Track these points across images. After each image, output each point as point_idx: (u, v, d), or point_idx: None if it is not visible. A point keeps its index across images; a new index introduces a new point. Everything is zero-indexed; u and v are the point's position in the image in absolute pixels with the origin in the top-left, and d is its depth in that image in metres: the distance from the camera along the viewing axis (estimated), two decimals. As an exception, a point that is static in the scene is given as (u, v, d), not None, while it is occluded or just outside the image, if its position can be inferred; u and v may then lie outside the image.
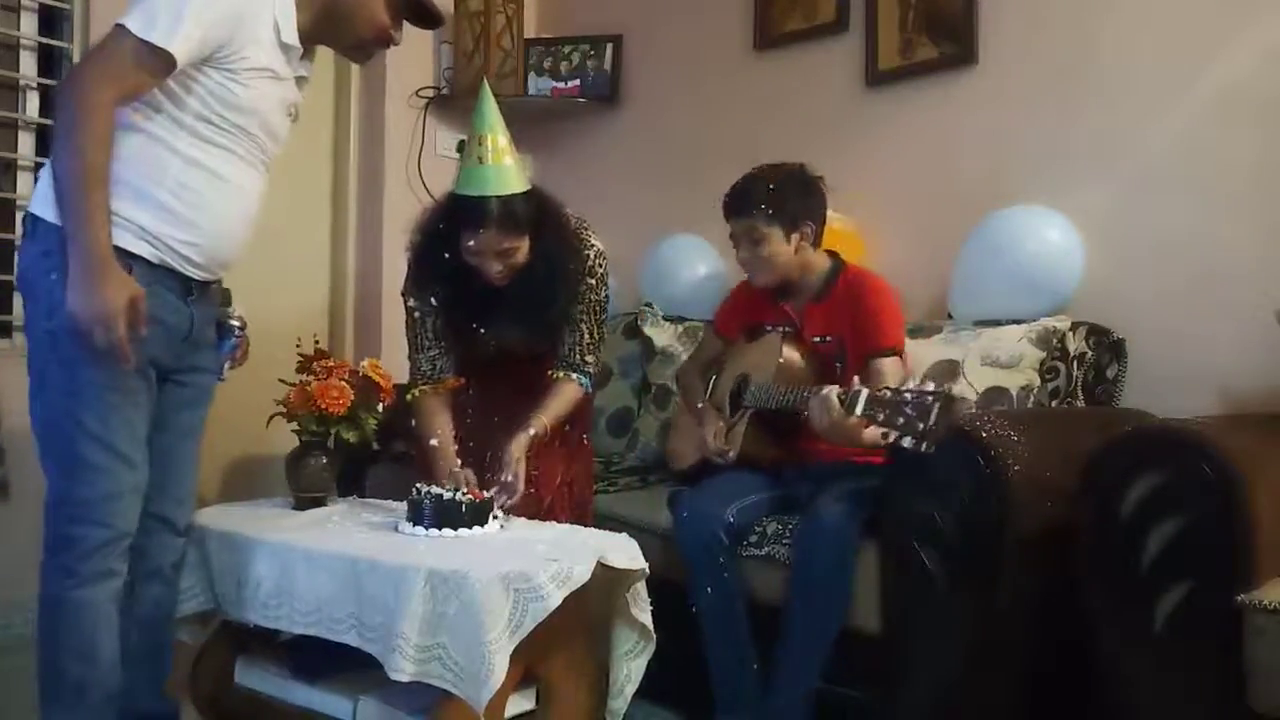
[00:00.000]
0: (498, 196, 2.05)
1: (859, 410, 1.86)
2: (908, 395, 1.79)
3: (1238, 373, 2.28)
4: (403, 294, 2.31)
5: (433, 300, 2.24)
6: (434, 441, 2.19)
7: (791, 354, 2.26)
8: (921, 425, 1.75)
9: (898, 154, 2.87)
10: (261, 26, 1.78)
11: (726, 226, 2.36)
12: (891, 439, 1.79)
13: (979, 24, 2.76)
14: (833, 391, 1.94)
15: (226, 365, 2.03)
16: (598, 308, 2.29)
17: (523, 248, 2.12)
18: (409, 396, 2.29)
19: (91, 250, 1.63)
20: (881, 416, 1.81)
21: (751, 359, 2.39)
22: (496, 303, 2.18)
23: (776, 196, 2.28)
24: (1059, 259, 2.49)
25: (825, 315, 2.33)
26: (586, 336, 2.28)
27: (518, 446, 2.13)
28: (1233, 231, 2.34)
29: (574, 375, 2.27)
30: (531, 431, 2.16)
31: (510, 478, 2.10)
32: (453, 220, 2.12)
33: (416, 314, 2.29)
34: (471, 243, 2.09)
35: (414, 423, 2.27)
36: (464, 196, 2.08)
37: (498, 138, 2.07)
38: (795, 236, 2.29)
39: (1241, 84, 2.34)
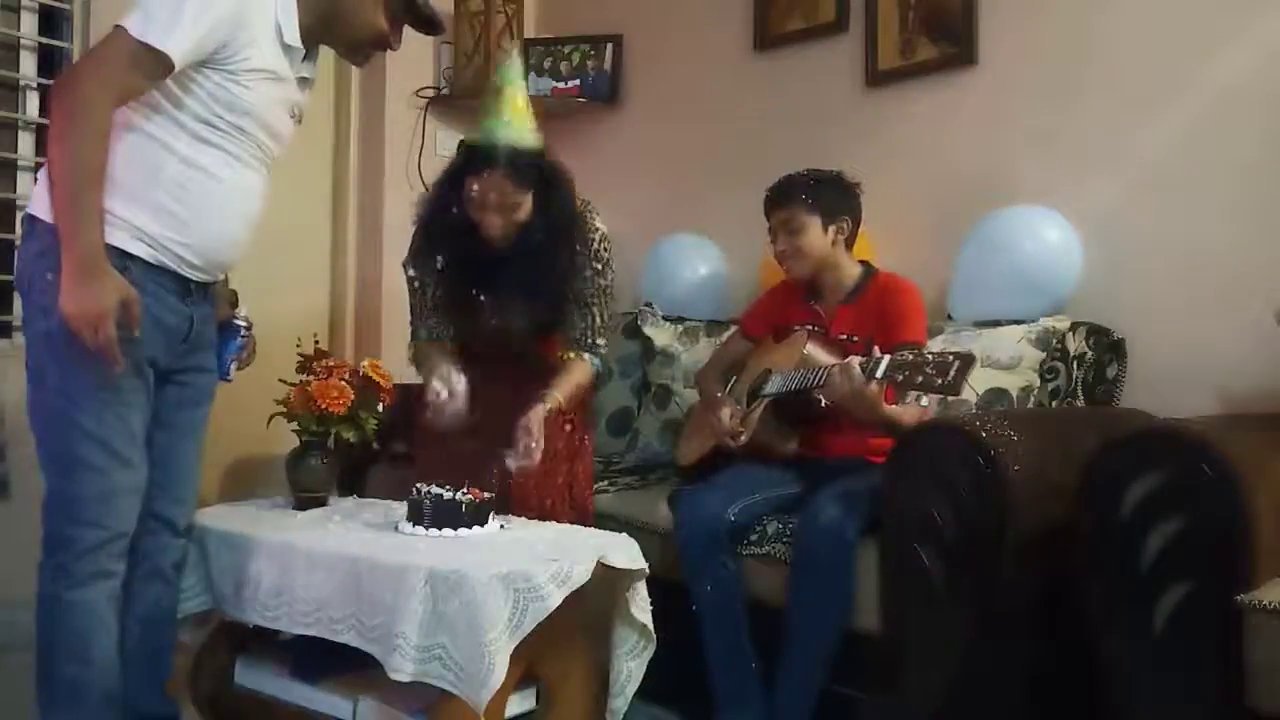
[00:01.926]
0: (508, 145, 2.10)
1: (880, 374, 1.90)
2: (929, 355, 1.86)
3: (1238, 373, 2.28)
4: (404, 264, 2.34)
5: (437, 265, 2.27)
6: (440, 376, 2.17)
7: (816, 349, 2.28)
8: (940, 381, 1.80)
9: (898, 154, 2.86)
10: (262, 27, 1.78)
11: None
12: (908, 399, 1.81)
13: (979, 24, 2.76)
14: (854, 360, 1.99)
15: (234, 366, 2.03)
16: (607, 290, 2.33)
17: (525, 205, 2.15)
18: (410, 348, 2.34)
19: (83, 250, 1.62)
20: (901, 377, 1.86)
21: (776, 356, 2.41)
22: (498, 268, 2.21)
23: (816, 189, 2.37)
24: (1058, 259, 2.49)
25: (854, 316, 2.36)
26: (597, 319, 2.33)
27: (535, 417, 2.15)
28: (1233, 231, 2.34)
29: (586, 356, 2.31)
30: (547, 405, 2.19)
31: (530, 445, 2.11)
32: (461, 167, 2.16)
33: (416, 283, 2.32)
34: (476, 187, 2.12)
35: (417, 369, 2.32)
36: (474, 143, 2.14)
37: (518, 96, 2.13)
38: (832, 229, 2.36)
39: (1241, 84, 2.34)
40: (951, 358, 1.82)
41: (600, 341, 2.34)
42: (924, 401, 1.83)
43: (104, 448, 1.72)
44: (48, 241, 1.68)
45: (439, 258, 2.27)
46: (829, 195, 2.36)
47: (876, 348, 1.99)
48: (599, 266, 2.29)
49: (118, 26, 1.66)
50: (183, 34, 1.66)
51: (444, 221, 2.21)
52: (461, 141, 2.19)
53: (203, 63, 1.72)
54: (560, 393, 2.23)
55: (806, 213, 2.34)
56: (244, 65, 1.76)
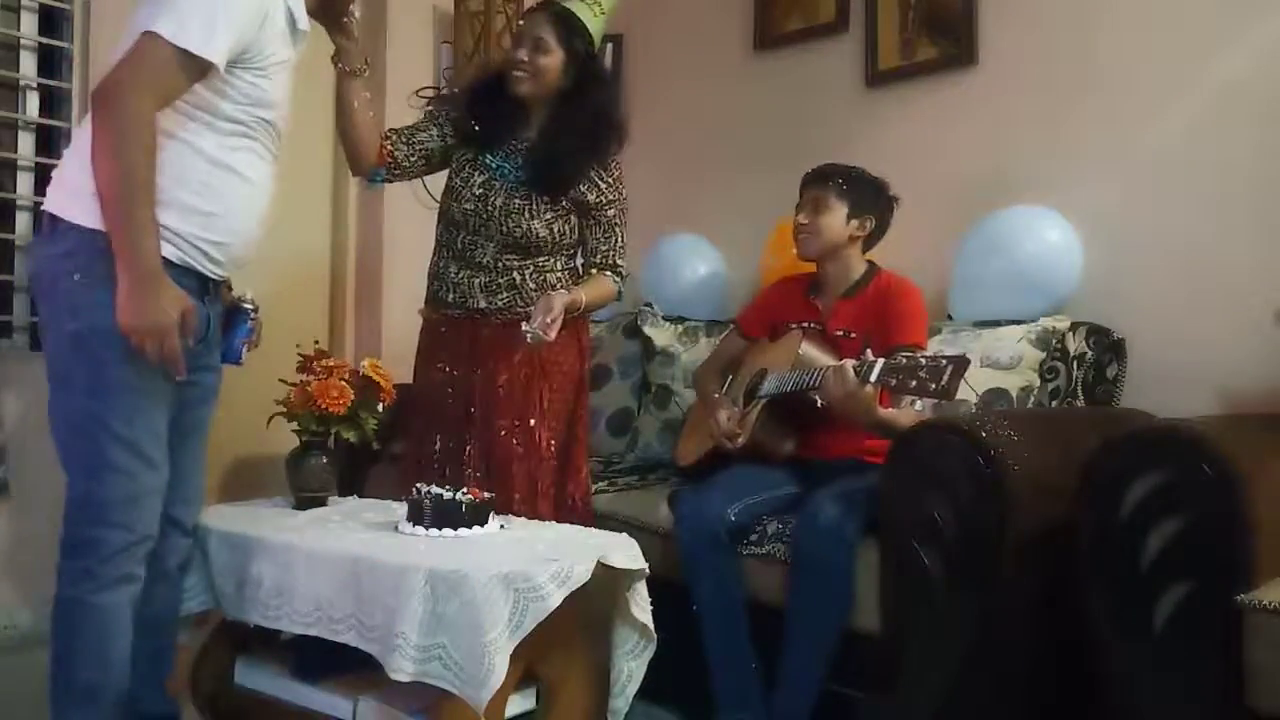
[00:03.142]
0: (568, 6, 2.27)
1: (874, 377, 1.89)
2: (922, 360, 1.85)
3: (1238, 373, 2.28)
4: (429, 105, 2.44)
5: (457, 112, 2.38)
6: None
7: (810, 349, 2.29)
8: (934, 385, 1.79)
9: (898, 154, 2.86)
10: (279, 20, 1.78)
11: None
12: (903, 404, 1.81)
13: (979, 24, 2.76)
14: (848, 363, 1.99)
15: (245, 349, 2.02)
16: (626, 212, 2.38)
17: (553, 56, 2.25)
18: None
19: (144, 264, 1.64)
20: (895, 381, 1.85)
21: (771, 355, 2.41)
22: (518, 123, 2.31)
23: (853, 182, 2.40)
24: (1058, 259, 2.49)
25: (853, 312, 2.36)
26: (620, 241, 2.37)
27: (560, 298, 2.17)
28: (1232, 231, 2.34)
29: (608, 274, 2.35)
30: (571, 296, 2.20)
31: (547, 321, 2.11)
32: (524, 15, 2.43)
33: (423, 116, 2.42)
34: (522, 20, 2.32)
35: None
36: None
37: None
38: (854, 222, 2.37)
39: (1241, 84, 2.35)
40: (944, 361, 1.81)
41: (621, 264, 2.37)
42: (918, 406, 1.82)
43: (132, 450, 1.72)
44: (73, 243, 1.68)
45: (462, 103, 2.39)
46: (863, 192, 2.39)
47: (870, 350, 1.99)
48: (612, 182, 2.33)
49: (149, 32, 1.64)
50: (220, 37, 1.66)
51: (488, 80, 2.37)
52: None
53: (232, 63, 1.72)
54: (584, 294, 2.26)
55: (836, 196, 2.37)
56: (269, 60, 1.77)
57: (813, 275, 2.47)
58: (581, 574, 1.76)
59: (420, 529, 1.92)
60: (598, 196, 2.32)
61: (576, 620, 1.87)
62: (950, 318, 2.62)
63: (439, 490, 1.96)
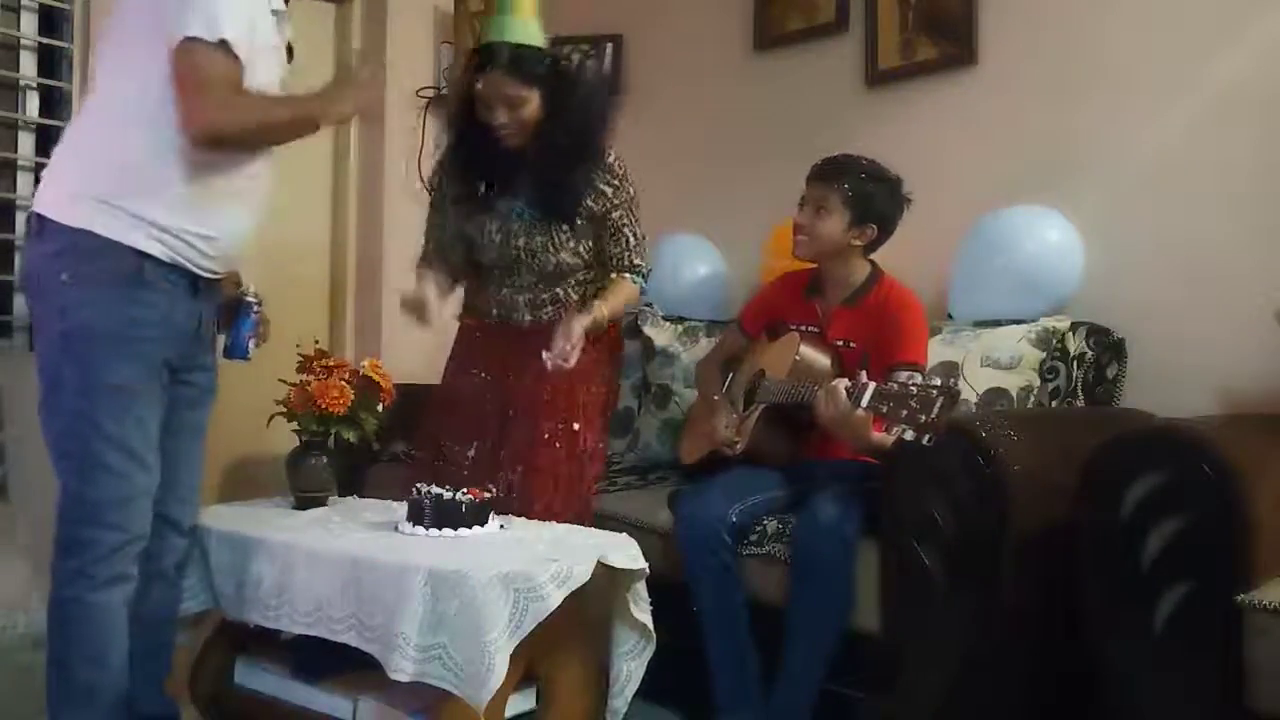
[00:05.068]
0: (508, 43, 2.15)
1: (865, 402, 1.88)
2: (913, 388, 1.81)
3: (1238, 373, 2.28)
4: (429, 178, 2.42)
5: (449, 171, 2.34)
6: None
7: (809, 352, 2.27)
8: (923, 417, 1.77)
9: (897, 154, 2.84)
10: (263, 6, 1.79)
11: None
12: (893, 431, 1.80)
13: (979, 24, 2.76)
14: (841, 384, 1.95)
15: (251, 344, 2.02)
16: (635, 206, 2.34)
17: (530, 102, 2.18)
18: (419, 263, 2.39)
19: (327, 109, 1.84)
20: (885, 409, 1.83)
21: (769, 356, 2.40)
22: (513, 165, 2.25)
23: (864, 186, 2.31)
24: (1058, 259, 2.49)
25: (852, 321, 2.33)
26: (633, 239, 2.34)
27: (579, 322, 2.17)
28: (1233, 231, 2.34)
29: (628, 275, 2.33)
30: (591, 316, 2.20)
31: (567, 349, 2.12)
32: (471, 68, 2.21)
33: (431, 199, 2.40)
34: (480, 85, 2.17)
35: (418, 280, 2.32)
36: (481, 44, 2.20)
37: None
38: (856, 230, 2.31)
39: (1241, 84, 2.35)
40: (935, 393, 1.77)
41: (638, 261, 2.35)
42: (909, 435, 1.80)
43: (124, 450, 1.72)
44: (62, 242, 1.68)
45: (452, 162, 2.34)
46: (871, 197, 2.30)
47: (865, 372, 1.96)
48: (616, 183, 2.30)
49: (189, 39, 1.65)
50: (243, 27, 1.70)
51: (464, 122, 2.28)
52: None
53: None
54: (605, 307, 2.25)
55: (840, 202, 2.29)
56: (263, 47, 1.78)
57: (813, 273, 2.45)
58: (581, 574, 1.76)
59: (420, 529, 1.92)
60: (602, 204, 2.30)
61: (576, 620, 1.87)
62: (950, 317, 2.62)
63: (439, 490, 1.96)
